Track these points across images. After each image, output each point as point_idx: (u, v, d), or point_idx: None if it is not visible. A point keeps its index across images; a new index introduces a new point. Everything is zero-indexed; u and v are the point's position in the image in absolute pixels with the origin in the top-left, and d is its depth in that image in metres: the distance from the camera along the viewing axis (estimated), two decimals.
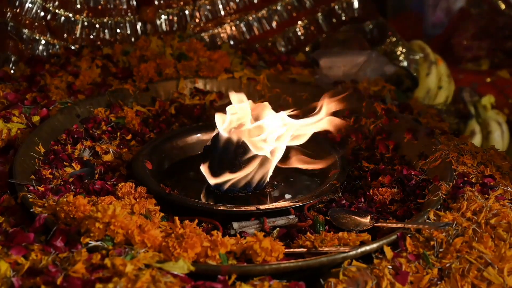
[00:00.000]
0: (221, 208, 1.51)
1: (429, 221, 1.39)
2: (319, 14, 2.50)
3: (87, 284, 1.16)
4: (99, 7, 2.34)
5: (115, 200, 1.43)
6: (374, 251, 1.30)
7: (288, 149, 1.66)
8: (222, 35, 2.44)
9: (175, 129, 1.87)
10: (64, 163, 1.62)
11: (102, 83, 2.02)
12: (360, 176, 1.69)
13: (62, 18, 2.30)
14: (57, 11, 2.29)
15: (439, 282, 1.24)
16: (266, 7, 2.46)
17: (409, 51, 2.50)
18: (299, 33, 2.49)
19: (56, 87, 1.97)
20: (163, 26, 2.40)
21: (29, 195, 1.43)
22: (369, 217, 1.46)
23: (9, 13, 2.22)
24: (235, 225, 1.45)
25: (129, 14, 2.37)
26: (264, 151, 1.57)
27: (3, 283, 1.17)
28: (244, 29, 2.45)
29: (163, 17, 2.40)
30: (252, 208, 1.49)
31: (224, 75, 2.09)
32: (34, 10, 2.25)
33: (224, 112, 1.62)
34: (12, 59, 2.19)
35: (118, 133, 1.81)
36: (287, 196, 1.61)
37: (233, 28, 2.45)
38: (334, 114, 1.64)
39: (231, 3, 2.44)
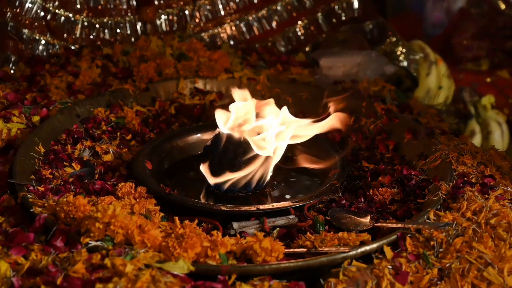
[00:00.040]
0: (221, 208, 1.50)
1: (429, 221, 1.39)
2: (319, 14, 2.50)
3: (87, 284, 1.16)
4: (99, 7, 2.34)
5: (115, 200, 1.43)
6: (374, 251, 1.30)
7: (292, 149, 1.67)
8: (222, 35, 2.44)
9: (175, 129, 1.87)
10: (64, 163, 1.62)
11: (102, 83, 2.02)
12: (360, 176, 1.69)
13: (62, 18, 2.30)
14: (57, 11, 2.29)
15: (439, 282, 1.24)
16: (266, 7, 2.46)
17: (409, 51, 2.50)
18: (299, 33, 2.49)
19: (56, 87, 1.97)
20: (163, 26, 2.40)
21: (29, 195, 1.43)
22: (369, 217, 1.46)
23: (9, 13, 2.22)
24: (235, 225, 1.45)
25: (129, 14, 2.37)
26: (267, 151, 1.57)
27: (3, 283, 1.17)
28: (244, 29, 2.45)
29: (163, 17, 2.40)
30: (252, 208, 1.49)
31: (224, 75, 2.09)
32: (34, 10, 2.25)
33: (226, 109, 1.62)
34: (12, 59, 2.19)
35: (118, 133, 1.81)
36: (287, 196, 1.61)
37: (233, 28, 2.45)
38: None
39: (231, 3, 2.44)
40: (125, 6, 2.36)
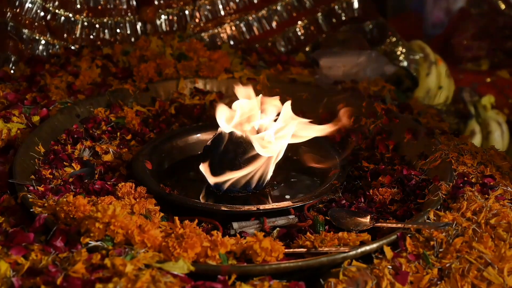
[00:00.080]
0: (221, 208, 1.50)
1: (429, 221, 1.39)
2: (319, 14, 2.50)
3: (87, 284, 1.16)
4: (99, 7, 2.34)
5: (115, 200, 1.43)
6: (374, 251, 1.30)
7: (292, 148, 1.67)
8: (222, 35, 2.44)
9: (175, 129, 1.87)
10: (64, 163, 1.62)
11: (102, 83, 2.02)
12: (360, 176, 1.69)
13: (62, 18, 2.30)
14: (57, 11, 2.29)
15: (439, 282, 1.24)
16: (266, 7, 2.46)
17: (409, 51, 2.50)
18: (299, 33, 2.49)
19: (56, 87, 1.97)
20: (163, 26, 2.40)
21: (29, 195, 1.43)
22: (369, 217, 1.46)
23: (9, 13, 2.22)
24: (235, 225, 1.45)
25: (129, 14, 2.37)
26: (270, 152, 1.57)
27: (3, 283, 1.17)
28: (244, 29, 2.45)
29: (163, 17, 2.40)
30: (252, 208, 1.49)
31: (224, 75, 2.09)
32: (34, 10, 2.25)
33: (227, 108, 1.62)
34: (12, 59, 2.19)
35: (118, 133, 1.81)
36: (287, 196, 1.61)
37: (233, 28, 2.45)
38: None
39: (231, 3, 2.44)
40: (125, 6, 2.36)
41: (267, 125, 1.62)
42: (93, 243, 1.26)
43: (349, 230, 1.42)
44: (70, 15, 2.30)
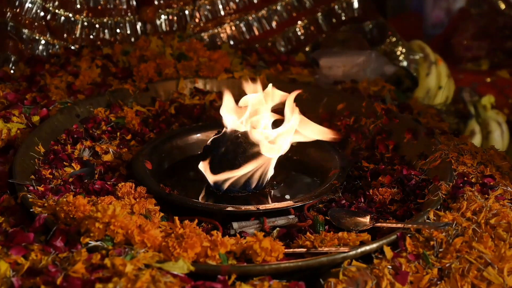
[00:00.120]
0: (221, 208, 1.50)
1: (429, 221, 1.39)
2: (319, 14, 2.50)
3: (87, 284, 1.16)
4: (99, 7, 2.34)
5: (115, 200, 1.43)
6: (374, 251, 1.30)
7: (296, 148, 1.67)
8: (222, 35, 2.44)
9: (175, 129, 1.87)
10: (64, 163, 1.62)
11: (102, 83, 2.02)
12: (360, 176, 1.69)
13: (62, 18, 2.30)
14: (57, 11, 2.29)
15: (439, 282, 1.24)
16: (266, 7, 2.46)
17: (409, 51, 2.51)
18: (299, 33, 2.49)
19: (56, 87, 1.97)
20: (163, 26, 2.40)
21: (29, 195, 1.43)
22: (369, 217, 1.46)
23: (9, 13, 2.22)
24: (235, 225, 1.45)
25: (129, 14, 2.37)
26: (275, 153, 1.57)
27: (3, 283, 1.17)
28: (244, 29, 2.45)
29: (163, 17, 2.40)
30: (252, 208, 1.49)
31: (224, 75, 2.09)
32: (34, 10, 2.25)
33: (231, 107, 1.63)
34: (12, 59, 2.19)
35: (118, 133, 1.81)
36: (287, 196, 1.61)
37: (233, 28, 2.45)
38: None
39: (231, 3, 2.44)
40: (125, 6, 2.36)
41: (266, 121, 1.62)
42: (93, 243, 1.26)
43: (349, 230, 1.42)
44: (70, 15, 2.30)
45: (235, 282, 1.20)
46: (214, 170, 1.58)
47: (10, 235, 1.30)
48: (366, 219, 1.46)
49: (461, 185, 1.50)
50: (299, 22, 2.49)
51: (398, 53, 2.46)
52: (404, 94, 2.26)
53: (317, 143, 1.69)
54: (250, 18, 2.45)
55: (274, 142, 1.59)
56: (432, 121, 1.91)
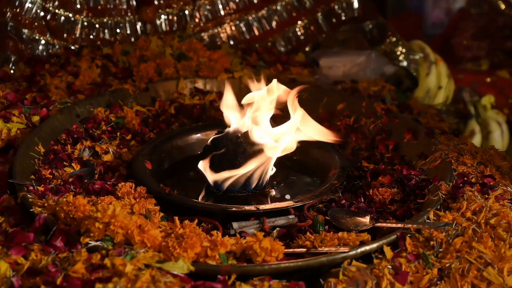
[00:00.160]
0: (221, 208, 1.50)
1: (429, 221, 1.39)
2: (319, 14, 2.50)
3: (87, 284, 1.16)
4: (99, 7, 2.34)
5: (115, 200, 1.43)
6: (374, 251, 1.30)
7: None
8: (222, 35, 2.44)
9: (175, 129, 1.87)
10: (64, 163, 1.62)
11: (102, 83, 2.02)
12: (360, 176, 1.69)
13: (62, 18, 2.30)
14: (57, 11, 2.29)
15: (439, 282, 1.24)
16: (266, 7, 2.46)
17: (409, 51, 2.51)
18: (299, 33, 2.49)
19: (56, 87, 1.97)
20: (163, 26, 2.40)
21: (29, 195, 1.43)
22: (369, 217, 1.46)
23: (9, 13, 2.22)
24: (235, 225, 1.45)
25: (129, 14, 2.37)
26: (276, 153, 1.58)
27: (3, 283, 1.17)
28: (244, 29, 2.45)
29: (163, 17, 2.40)
30: (252, 208, 1.49)
31: (224, 75, 2.09)
32: (34, 10, 2.25)
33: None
34: (12, 59, 2.19)
35: (118, 133, 1.81)
36: (287, 196, 1.61)
37: (233, 28, 2.45)
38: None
39: (231, 3, 2.44)
40: (125, 6, 2.36)
41: (269, 117, 1.62)
42: (93, 243, 1.26)
43: (349, 230, 1.42)
44: (70, 15, 2.30)
45: (235, 282, 1.20)
46: (214, 170, 1.58)
47: (10, 235, 1.30)
48: (366, 219, 1.46)
49: (461, 185, 1.50)
50: (299, 22, 2.49)
51: (398, 53, 2.46)
52: (404, 94, 2.26)
53: (317, 143, 1.69)
54: (250, 18, 2.45)
55: (278, 141, 1.59)
56: (432, 121, 1.91)
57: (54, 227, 1.30)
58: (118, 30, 2.35)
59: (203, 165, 1.59)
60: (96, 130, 1.79)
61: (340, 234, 1.36)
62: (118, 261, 1.18)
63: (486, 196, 1.46)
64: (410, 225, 1.36)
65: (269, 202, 1.60)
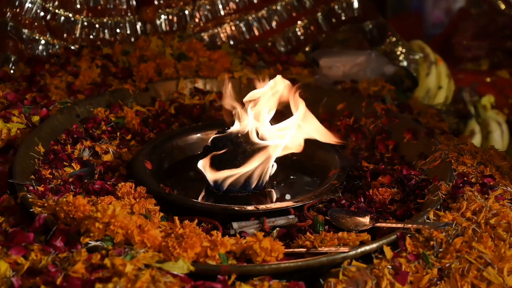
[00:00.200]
0: (221, 208, 1.50)
1: (429, 221, 1.39)
2: (319, 14, 2.50)
3: (87, 284, 1.16)
4: (99, 7, 2.34)
5: (115, 200, 1.43)
6: (374, 251, 1.30)
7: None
8: (222, 35, 2.44)
9: (175, 129, 1.87)
10: (64, 163, 1.62)
11: (102, 83, 2.02)
12: (360, 176, 1.69)
13: (62, 18, 2.30)
14: (57, 11, 2.29)
15: (439, 282, 1.24)
16: (266, 7, 2.46)
17: (409, 51, 2.50)
18: (299, 33, 2.49)
19: (56, 87, 1.97)
20: (163, 26, 2.40)
21: (28, 195, 1.43)
22: (368, 217, 1.46)
23: (8, 13, 2.22)
24: (235, 225, 1.45)
25: (129, 14, 2.37)
26: (278, 151, 1.58)
27: (3, 283, 1.17)
28: (244, 29, 2.45)
29: (163, 17, 2.40)
30: (252, 208, 1.49)
31: (224, 75, 2.09)
32: (34, 10, 2.25)
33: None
34: (12, 59, 2.19)
35: (118, 133, 1.81)
36: (287, 196, 1.61)
37: (233, 28, 2.45)
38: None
39: (231, 3, 2.44)
40: (125, 6, 2.36)
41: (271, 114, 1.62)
42: (93, 243, 1.26)
43: (349, 230, 1.42)
44: (70, 15, 2.30)
45: (235, 282, 1.20)
46: (214, 170, 1.58)
47: (10, 235, 1.30)
48: (366, 219, 1.46)
49: (461, 185, 1.50)
50: (299, 22, 2.49)
51: (398, 53, 2.46)
52: (404, 94, 2.26)
53: (317, 143, 1.69)
54: (250, 18, 2.45)
55: (280, 138, 1.59)
56: (432, 121, 1.91)
57: (54, 227, 1.30)
58: (118, 30, 2.35)
59: (203, 165, 1.59)
60: (96, 130, 1.79)
61: (340, 234, 1.36)
62: (118, 261, 1.18)
63: (486, 196, 1.46)
64: (410, 225, 1.36)
65: (269, 202, 1.60)
